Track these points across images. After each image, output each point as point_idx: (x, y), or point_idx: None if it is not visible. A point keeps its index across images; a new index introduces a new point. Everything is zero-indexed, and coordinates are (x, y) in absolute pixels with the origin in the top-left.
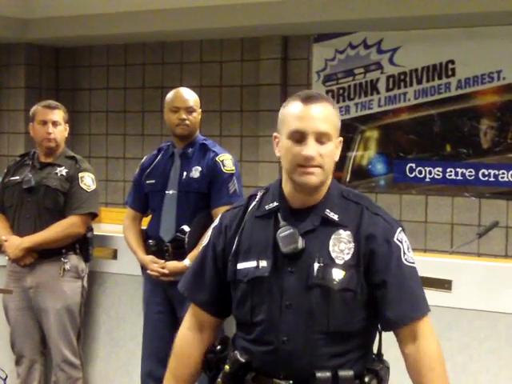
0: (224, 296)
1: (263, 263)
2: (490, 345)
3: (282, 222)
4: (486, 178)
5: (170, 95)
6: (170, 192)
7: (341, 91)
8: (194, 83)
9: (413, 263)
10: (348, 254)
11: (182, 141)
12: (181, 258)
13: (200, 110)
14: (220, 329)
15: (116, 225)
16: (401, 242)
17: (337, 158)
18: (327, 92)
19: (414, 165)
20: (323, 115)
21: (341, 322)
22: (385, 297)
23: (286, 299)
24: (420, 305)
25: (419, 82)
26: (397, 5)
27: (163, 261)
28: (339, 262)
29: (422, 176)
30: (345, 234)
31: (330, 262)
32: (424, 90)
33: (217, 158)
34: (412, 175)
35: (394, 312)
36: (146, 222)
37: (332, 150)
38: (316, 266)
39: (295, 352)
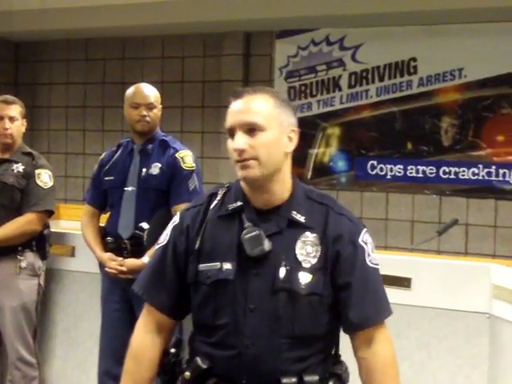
0: (183, 297)
1: (227, 265)
2: (449, 343)
3: (246, 223)
4: (447, 176)
5: (130, 91)
6: (129, 189)
7: (303, 88)
8: (155, 79)
9: (377, 265)
10: (315, 257)
11: (141, 137)
12: (139, 255)
13: (161, 107)
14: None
15: (75, 221)
16: (366, 244)
17: (288, 149)
18: (289, 89)
19: (375, 162)
20: (250, 106)
21: (306, 326)
22: (348, 299)
23: (251, 303)
24: (383, 308)
25: (381, 79)
26: (360, 2)
27: (121, 258)
28: (306, 265)
29: (383, 173)
30: (311, 237)
31: (296, 266)
32: (386, 88)
33: (177, 155)
34: (373, 172)
35: (358, 314)
36: (104, 219)
37: (269, 141)
38: (282, 269)
39: (259, 357)
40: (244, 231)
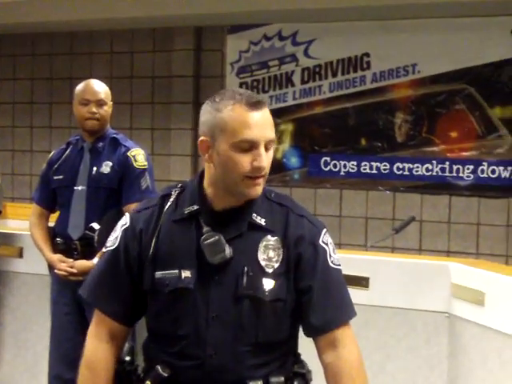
0: (136, 304)
1: (186, 273)
2: (407, 343)
3: (205, 228)
4: (401, 172)
5: (79, 87)
6: (79, 188)
7: (255, 83)
8: (103, 74)
9: (339, 265)
10: (277, 261)
11: (91, 135)
12: (90, 256)
13: (111, 103)
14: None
15: (22, 221)
16: (326, 245)
17: None
18: (241, 84)
19: (328, 158)
20: (270, 121)
21: (269, 333)
22: (310, 302)
23: (213, 311)
24: (345, 310)
25: (334, 74)
26: None
27: (71, 260)
28: (269, 270)
29: (336, 170)
30: (273, 240)
31: (259, 271)
32: (339, 83)
33: (128, 153)
34: (326, 169)
35: (319, 317)
36: (53, 219)
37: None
38: (245, 275)
39: (223, 366)
40: (203, 236)
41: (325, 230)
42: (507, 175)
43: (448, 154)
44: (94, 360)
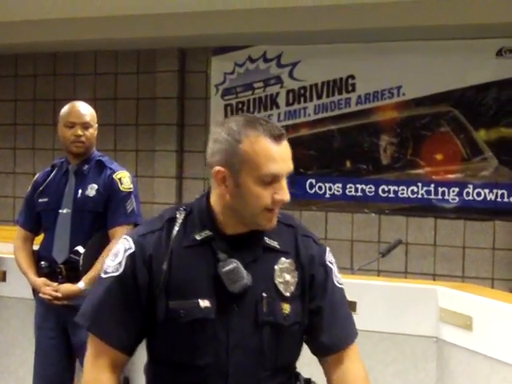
0: (140, 333)
1: (205, 303)
2: (395, 368)
3: (221, 254)
4: (386, 195)
5: (65, 109)
6: (64, 211)
7: (240, 105)
8: (87, 95)
9: (342, 285)
10: (293, 284)
11: (77, 157)
12: (75, 280)
13: (97, 125)
14: None
15: (5, 244)
16: (332, 264)
17: None
18: (226, 106)
19: (313, 181)
20: (290, 152)
21: (287, 355)
22: (320, 323)
23: (233, 340)
24: (351, 329)
25: (319, 96)
26: (296, 19)
27: (56, 283)
28: (287, 294)
29: (321, 192)
30: (287, 262)
31: (277, 296)
32: (324, 105)
33: (114, 176)
34: (312, 191)
35: (329, 338)
36: (38, 242)
37: None
38: (264, 302)
39: None
40: (220, 264)
41: (328, 249)
42: (492, 198)
43: (433, 177)
44: None
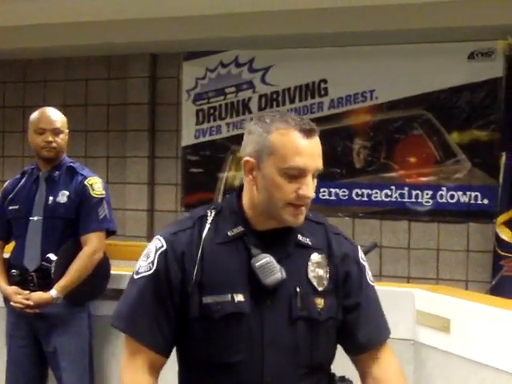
0: (173, 332)
1: (239, 297)
2: None
3: (253, 249)
4: (360, 198)
5: (35, 115)
6: (35, 218)
7: (212, 111)
8: (57, 102)
9: (374, 282)
10: (326, 279)
11: (47, 163)
12: (47, 288)
13: (67, 131)
14: None
15: None
16: (364, 261)
17: None
18: (198, 111)
19: None
20: (320, 150)
21: (322, 353)
22: (357, 320)
23: (268, 336)
24: (386, 326)
25: (292, 101)
26: (268, 23)
27: (28, 292)
28: (320, 288)
29: None
30: (320, 258)
31: (310, 291)
32: (297, 110)
33: (85, 182)
34: None
35: (365, 335)
36: (9, 250)
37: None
38: (298, 296)
39: None
40: (253, 259)
41: (359, 246)
42: (466, 200)
43: (407, 180)
44: None
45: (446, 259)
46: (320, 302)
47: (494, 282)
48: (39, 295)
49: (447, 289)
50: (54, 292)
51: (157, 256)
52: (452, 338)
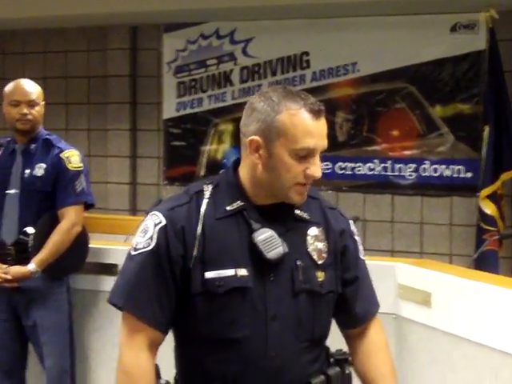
0: (173, 309)
1: (242, 271)
2: None
3: (254, 224)
4: (343, 172)
5: (9, 87)
6: (12, 191)
7: (193, 83)
8: (37, 75)
9: (364, 257)
10: (325, 252)
11: (23, 136)
12: (25, 262)
13: (43, 103)
14: None
15: None
16: (357, 236)
17: None
18: (179, 84)
19: None
20: (326, 130)
21: (323, 326)
22: (355, 293)
23: (271, 310)
24: (377, 300)
25: (274, 73)
26: None
27: (6, 266)
28: (320, 262)
29: None
30: (319, 231)
31: (311, 264)
32: (279, 82)
33: (61, 155)
34: None
35: (362, 308)
36: None
37: None
38: (300, 269)
39: (283, 366)
40: (255, 233)
41: (351, 221)
42: (449, 174)
43: (390, 153)
44: (139, 374)
45: (429, 233)
46: (320, 275)
47: (475, 256)
48: (17, 269)
49: (429, 262)
50: (31, 266)
51: (156, 231)
52: (433, 312)
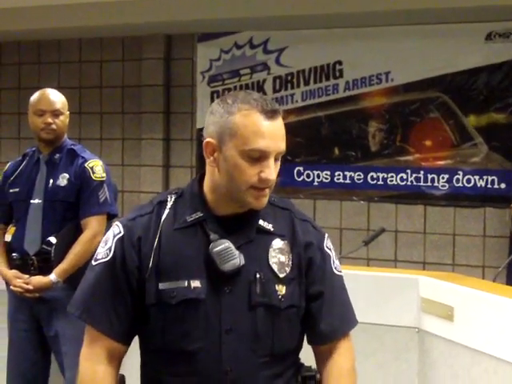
0: (132, 320)
1: (195, 283)
2: (377, 359)
3: (212, 235)
4: (375, 182)
5: (34, 97)
6: (36, 201)
7: (226, 92)
8: (72, 84)
9: (341, 272)
10: (288, 266)
11: (48, 146)
12: (47, 272)
13: (68, 113)
14: None
15: None
16: (330, 250)
17: None
18: (212, 93)
19: (301, 168)
20: (283, 132)
21: (284, 342)
22: (320, 309)
23: (226, 323)
24: (349, 318)
25: (306, 83)
26: (283, 4)
27: (28, 276)
28: (282, 275)
29: (309, 180)
30: (282, 244)
31: (271, 277)
32: (311, 92)
33: (86, 165)
34: (300, 179)
35: (328, 325)
36: (10, 233)
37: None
38: (258, 282)
39: (240, 381)
40: (211, 244)
41: (327, 235)
42: (483, 184)
43: (422, 163)
44: None
45: (462, 244)
46: (281, 289)
47: (500, 269)
48: (39, 279)
49: (452, 276)
50: (53, 276)
51: (114, 242)
52: (455, 326)
